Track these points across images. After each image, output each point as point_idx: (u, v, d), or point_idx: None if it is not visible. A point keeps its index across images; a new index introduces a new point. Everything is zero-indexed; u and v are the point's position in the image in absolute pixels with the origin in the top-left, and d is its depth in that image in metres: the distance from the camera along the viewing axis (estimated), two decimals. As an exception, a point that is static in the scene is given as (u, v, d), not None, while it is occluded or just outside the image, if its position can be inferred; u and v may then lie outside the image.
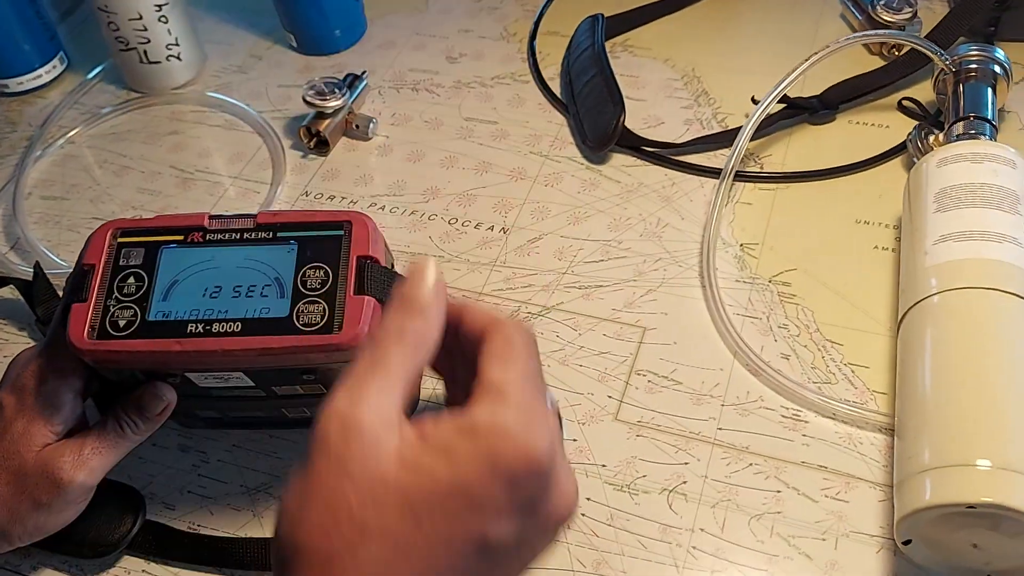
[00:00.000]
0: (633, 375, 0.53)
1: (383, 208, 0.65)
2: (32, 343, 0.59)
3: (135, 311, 0.42)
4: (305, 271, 0.43)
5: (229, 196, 0.68)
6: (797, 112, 0.66)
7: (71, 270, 0.46)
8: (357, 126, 0.70)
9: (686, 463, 0.49)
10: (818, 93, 0.67)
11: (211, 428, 0.53)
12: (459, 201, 0.65)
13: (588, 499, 0.48)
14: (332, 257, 0.43)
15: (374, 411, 0.30)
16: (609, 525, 0.47)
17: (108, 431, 0.45)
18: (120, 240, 0.44)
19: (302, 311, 0.42)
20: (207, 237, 0.44)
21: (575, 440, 0.51)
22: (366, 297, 0.42)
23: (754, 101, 0.66)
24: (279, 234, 0.44)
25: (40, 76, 0.78)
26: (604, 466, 0.49)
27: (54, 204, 0.69)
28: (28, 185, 0.70)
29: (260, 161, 0.70)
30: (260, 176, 0.69)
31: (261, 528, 0.49)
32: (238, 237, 0.44)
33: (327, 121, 0.69)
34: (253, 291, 0.43)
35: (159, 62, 0.75)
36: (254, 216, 0.44)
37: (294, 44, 0.79)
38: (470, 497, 0.29)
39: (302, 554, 0.29)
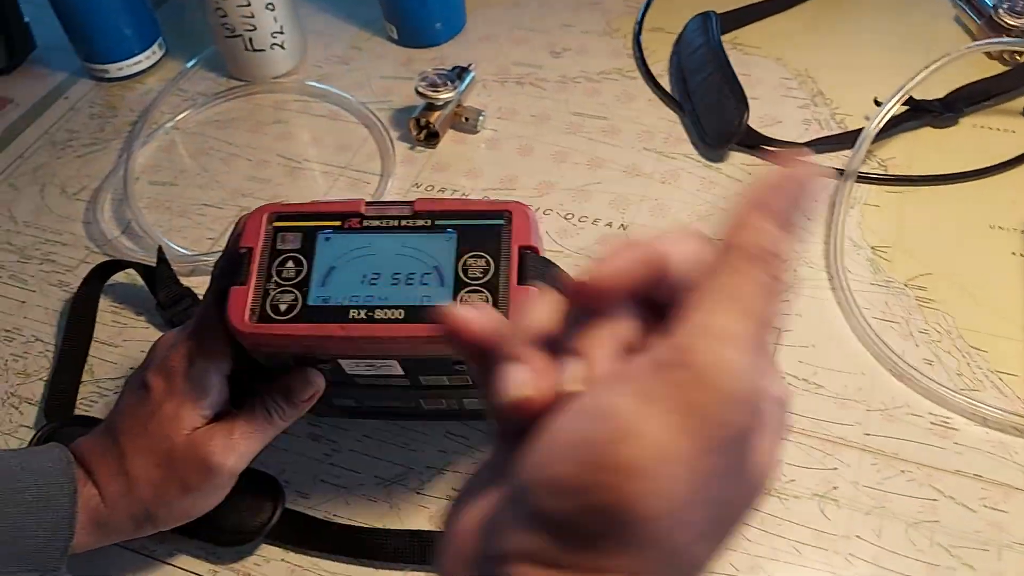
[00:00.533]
0: (772, 377, 0.52)
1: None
2: (150, 328, 0.59)
3: (295, 295, 0.42)
4: (466, 259, 0.42)
5: (339, 186, 0.67)
6: (920, 115, 0.65)
7: (220, 254, 0.46)
8: (466, 119, 0.69)
9: (835, 468, 0.48)
10: (941, 96, 0.65)
11: (343, 416, 0.53)
12: (574, 196, 0.64)
13: (734, 502, 0.47)
14: (493, 246, 0.42)
15: None
16: (760, 529, 0.46)
17: (257, 415, 0.44)
18: (276, 224, 0.44)
19: (465, 300, 0.41)
20: (364, 223, 0.44)
21: (716, 441, 0.49)
22: (529, 287, 0.41)
23: (877, 103, 0.65)
24: (438, 222, 0.43)
25: (140, 62, 0.78)
26: (749, 468, 0.48)
27: (163, 190, 0.68)
28: (136, 170, 0.69)
29: (367, 152, 0.70)
30: (368, 167, 0.68)
31: (400, 520, 0.48)
32: (395, 224, 0.43)
33: (437, 113, 0.68)
34: (413, 279, 0.42)
35: (263, 50, 0.74)
36: (411, 203, 0.44)
37: (394, 36, 0.79)
38: None
39: None
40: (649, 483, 0.21)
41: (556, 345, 0.26)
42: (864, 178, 0.62)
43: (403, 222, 0.44)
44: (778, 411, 0.27)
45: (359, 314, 0.41)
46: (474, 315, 0.27)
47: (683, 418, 0.21)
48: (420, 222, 0.43)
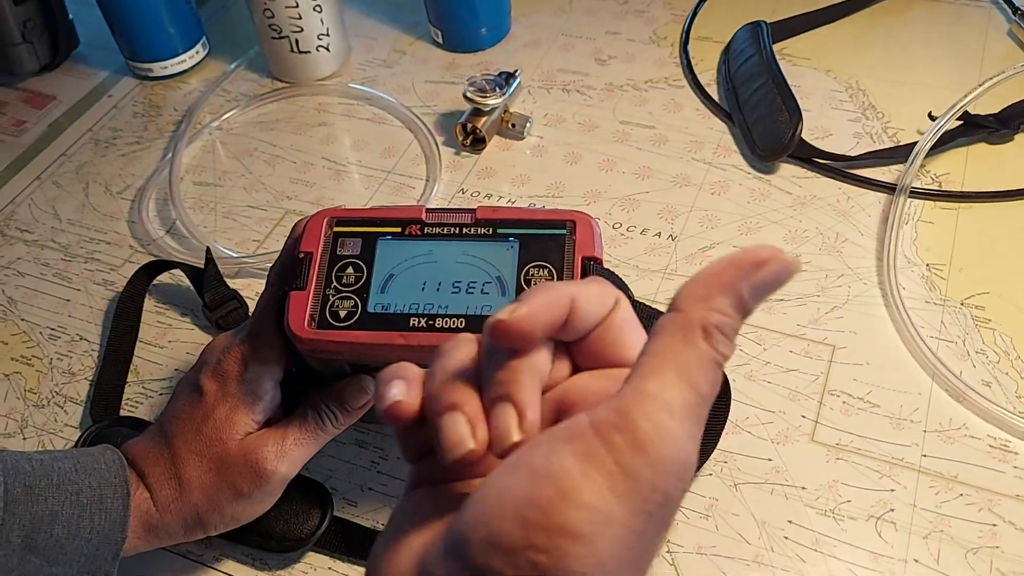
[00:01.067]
0: (827, 395, 0.51)
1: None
2: (195, 329, 0.59)
3: (355, 302, 0.41)
4: (528, 269, 0.41)
5: (384, 190, 0.67)
6: (975, 130, 0.64)
7: (277, 257, 0.45)
8: (513, 124, 0.69)
9: (892, 490, 0.47)
10: (995, 112, 0.64)
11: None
12: (622, 205, 0.63)
13: (790, 522, 0.46)
14: (556, 257, 0.42)
15: None
16: (815, 550, 0.45)
17: (309, 422, 0.44)
18: (336, 229, 0.43)
19: (526, 310, 0.40)
20: (425, 230, 0.43)
21: (770, 460, 0.49)
22: (592, 299, 0.41)
23: (931, 117, 0.64)
24: (499, 231, 0.43)
25: (184, 61, 0.78)
26: (804, 488, 0.47)
27: (207, 190, 0.68)
28: (180, 169, 0.69)
29: (412, 156, 0.69)
30: (413, 171, 0.68)
31: (448, 531, 0.48)
32: (456, 231, 0.43)
33: (484, 118, 0.68)
34: (473, 287, 0.42)
35: (309, 52, 0.74)
36: (473, 211, 0.43)
37: (439, 40, 0.78)
38: None
39: None
40: (586, 546, 0.22)
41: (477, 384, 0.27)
42: (918, 194, 0.61)
43: (464, 230, 0.43)
44: None
45: (419, 322, 0.41)
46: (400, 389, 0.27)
47: (620, 481, 0.22)
48: (482, 230, 0.43)
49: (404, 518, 0.27)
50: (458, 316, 0.41)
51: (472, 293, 0.41)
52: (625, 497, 0.22)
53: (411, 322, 0.41)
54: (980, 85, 0.63)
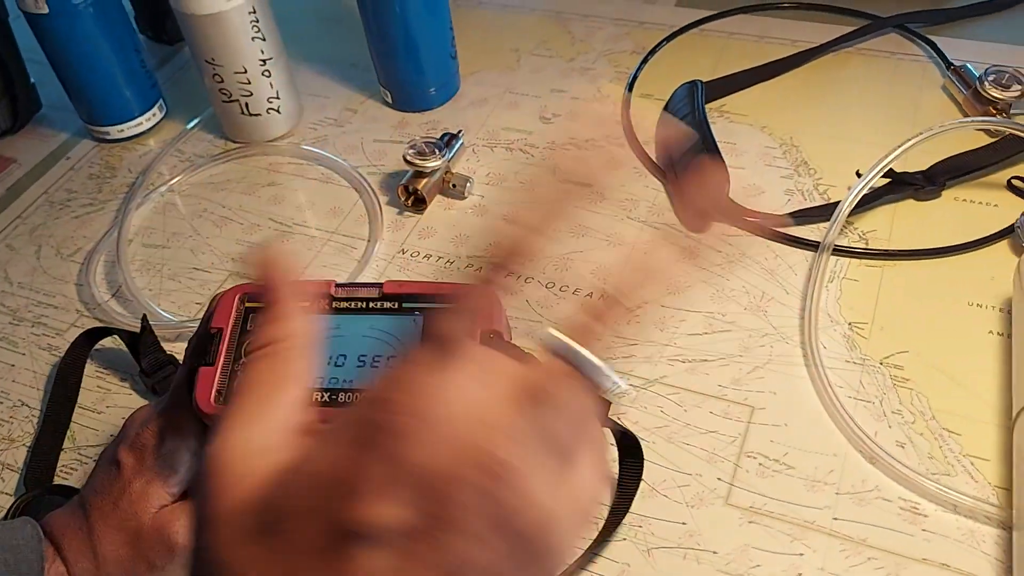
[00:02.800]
0: (743, 457, 0.52)
1: (480, 269, 0.65)
2: (133, 394, 0.60)
3: (261, 378, 0.42)
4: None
5: (328, 251, 0.68)
6: (902, 187, 0.65)
7: (195, 330, 0.47)
8: (454, 185, 0.70)
9: (801, 554, 0.48)
10: (923, 168, 0.66)
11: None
12: (556, 265, 0.65)
13: (700, 586, 0.47)
14: (459, 330, 0.43)
15: None
16: (723, 615, 0.46)
17: (224, 496, 0.45)
18: (248, 305, 0.45)
19: (427, 385, 0.42)
20: (333, 305, 0.44)
21: (684, 524, 0.49)
22: (492, 373, 0.42)
23: (859, 175, 0.65)
24: (405, 304, 0.44)
25: (140, 124, 0.80)
26: (715, 553, 0.48)
27: (155, 252, 0.70)
28: (130, 231, 0.71)
29: (356, 216, 0.71)
30: (357, 231, 0.69)
31: None
32: (363, 306, 0.44)
33: (425, 180, 0.69)
34: (378, 361, 0.43)
35: (259, 114, 0.76)
36: (380, 285, 0.44)
37: (389, 100, 0.80)
38: None
39: None
40: None
41: None
42: (843, 251, 0.62)
43: (371, 304, 0.44)
44: None
45: (323, 397, 0.42)
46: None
47: None
48: (388, 304, 0.44)
49: None
50: (360, 391, 0.42)
51: (377, 367, 0.43)
52: None
53: (313, 397, 0.42)
54: (906, 142, 0.64)
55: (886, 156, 0.63)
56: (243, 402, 0.29)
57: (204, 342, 0.44)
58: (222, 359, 0.43)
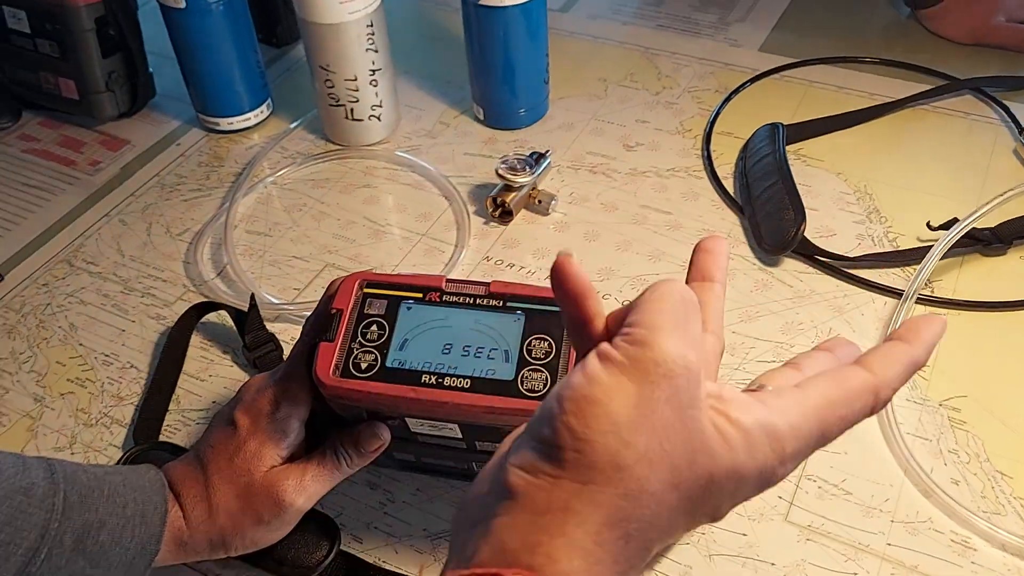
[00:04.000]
0: (803, 479, 0.55)
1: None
2: (235, 366, 0.65)
3: (376, 356, 0.47)
4: (531, 341, 0.47)
5: (416, 252, 0.73)
6: (971, 241, 0.68)
7: (312, 310, 0.51)
8: (540, 201, 0.75)
9: (855, 574, 0.50)
10: (993, 226, 0.69)
11: (400, 469, 0.57)
12: (633, 285, 0.69)
13: (756, 593, 0.50)
14: (557, 332, 0.47)
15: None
16: (777, 622, 0.49)
17: (327, 461, 0.49)
18: (366, 291, 0.49)
19: (526, 377, 0.46)
20: (443, 298, 0.49)
21: (745, 535, 0.53)
22: (586, 373, 0.45)
23: (930, 227, 0.68)
24: (509, 303, 0.48)
25: (249, 119, 0.86)
26: (773, 565, 0.51)
27: (258, 239, 0.75)
28: (235, 218, 0.76)
29: (445, 222, 0.75)
30: (444, 236, 0.74)
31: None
32: (471, 301, 0.48)
33: (513, 194, 0.74)
34: (481, 352, 0.47)
35: (361, 120, 0.81)
36: (487, 284, 0.49)
37: (481, 116, 0.85)
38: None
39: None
40: (600, 407, 0.29)
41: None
42: (922, 299, 0.65)
43: (478, 300, 0.48)
44: (713, 359, 0.36)
45: (430, 379, 0.46)
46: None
47: (629, 367, 0.29)
48: (493, 302, 0.48)
49: None
50: (465, 376, 0.46)
51: (479, 357, 0.47)
52: (629, 371, 0.29)
53: (423, 378, 0.46)
54: (987, 204, 0.67)
55: (972, 214, 0.66)
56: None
57: (325, 320, 0.48)
58: (341, 336, 0.47)
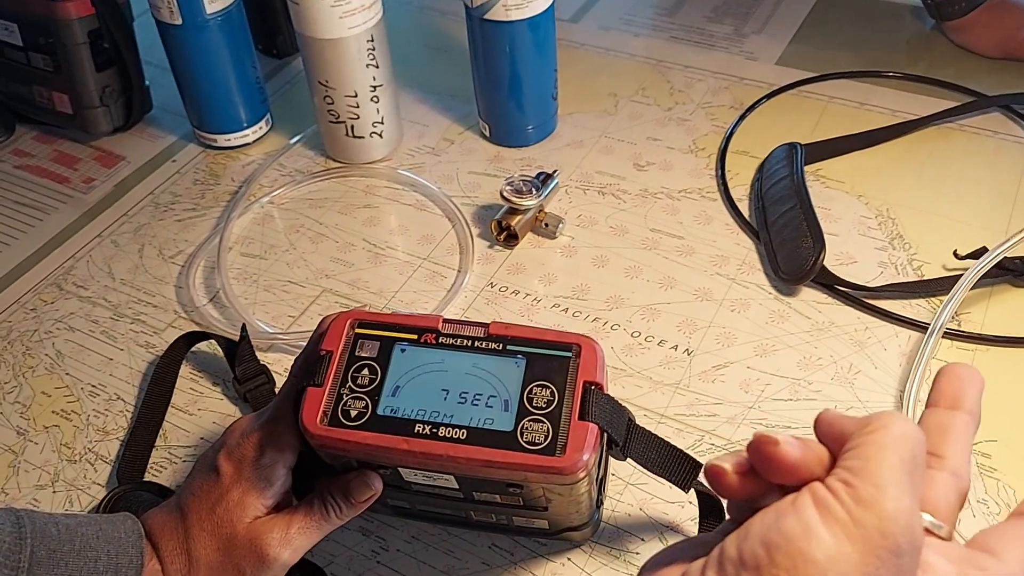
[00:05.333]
0: (822, 529, 0.52)
1: (566, 311, 0.66)
2: (224, 399, 0.62)
3: (366, 403, 0.44)
4: (532, 388, 0.43)
5: (418, 277, 0.70)
6: (1001, 271, 0.65)
7: (302, 350, 0.48)
8: (547, 224, 0.72)
9: (878, 635, 0.47)
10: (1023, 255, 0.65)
11: (394, 515, 0.54)
12: (643, 314, 0.65)
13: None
14: (560, 378, 0.44)
15: None
16: None
17: (315, 512, 0.46)
18: (358, 331, 0.46)
19: (526, 428, 0.42)
20: (439, 340, 0.46)
21: None
22: (590, 424, 0.43)
23: (957, 256, 0.65)
24: (509, 347, 0.45)
25: (247, 135, 0.83)
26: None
27: (252, 262, 0.72)
28: (230, 240, 0.73)
29: (448, 245, 0.72)
30: (447, 260, 0.71)
31: (437, 629, 0.49)
32: (468, 344, 0.45)
33: (519, 217, 0.70)
34: (479, 400, 0.44)
35: (363, 137, 0.78)
36: (487, 325, 0.45)
37: (486, 133, 0.82)
38: None
39: None
40: (817, 570, 0.26)
41: None
42: (949, 333, 0.62)
43: (476, 343, 0.45)
44: (952, 507, 0.31)
45: (424, 429, 0.43)
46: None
47: (853, 529, 0.26)
48: (492, 345, 0.45)
49: (676, 548, 0.33)
50: (461, 427, 0.43)
51: (477, 405, 0.44)
52: (856, 541, 0.26)
53: (416, 428, 0.43)
54: (1020, 232, 0.63)
55: (1003, 243, 0.62)
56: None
57: (313, 363, 0.45)
58: (330, 381, 0.44)
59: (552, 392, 0.43)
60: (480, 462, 0.42)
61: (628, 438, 0.45)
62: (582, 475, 0.43)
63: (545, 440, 0.42)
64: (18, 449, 0.60)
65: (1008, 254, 0.63)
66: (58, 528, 0.43)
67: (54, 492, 0.57)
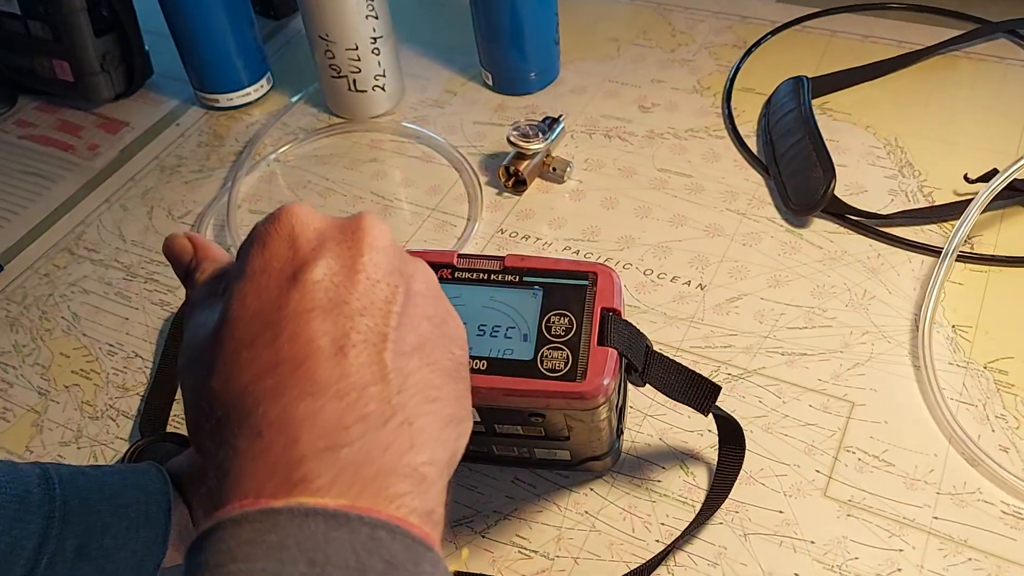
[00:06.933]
0: (842, 451, 0.52)
1: (577, 252, 0.66)
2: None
3: (385, 340, 0.44)
4: (550, 317, 0.44)
5: (427, 227, 0.70)
6: (1012, 193, 0.64)
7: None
8: (554, 169, 0.71)
9: (900, 550, 0.48)
10: (1034, 175, 0.65)
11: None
12: (654, 252, 0.65)
13: (796, 575, 0.47)
14: (577, 306, 0.44)
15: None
16: (820, 604, 0.46)
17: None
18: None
19: (546, 356, 0.43)
20: (455, 275, 0.46)
21: (781, 512, 0.50)
22: (609, 349, 0.43)
23: (968, 179, 0.64)
24: (525, 278, 0.45)
25: (248, 94, 0.83)
26: (813, 543, 0.48)
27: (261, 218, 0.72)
28: (238, 198, 0.73)
29: (456, 195, 0.72)
30: (456, 210, 0.71)
31: (463, 564, 0.50)
32: (485, 278, 0.45)
33: (526, 162, 0.70)
34: (497, 331, 0.44)
35: (365, 91, 0.78)
36: (502, 259, 0.45)
37: (489, 82, 0.82)
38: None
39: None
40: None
41: None
42: (962, 256, 0.61)
43: (492, 276, 0.45)
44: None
45: (444, 363, 0.43)
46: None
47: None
48: (509, 277, 0.45)
49: None
50: (481, 358, 0.43)
51: (496, 337, 0.44)
52: None
53: (437, 363, 0.43)
54: None
55: (1014, 163, 0.62)
56: None
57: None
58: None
59: (570, 320, 0.43)
60: (502, 391, 0.42)
61: (647, 363, 0.45)
62: (602, 400, 0.43)
63: (565, 367, 0.42)
64: (41, 409, 0.60)
65: (1020, 176, 0.63)
66: (85, 478, 0.44)
67: (78, 448, 0.58)
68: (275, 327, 0.29)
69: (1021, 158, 0.61)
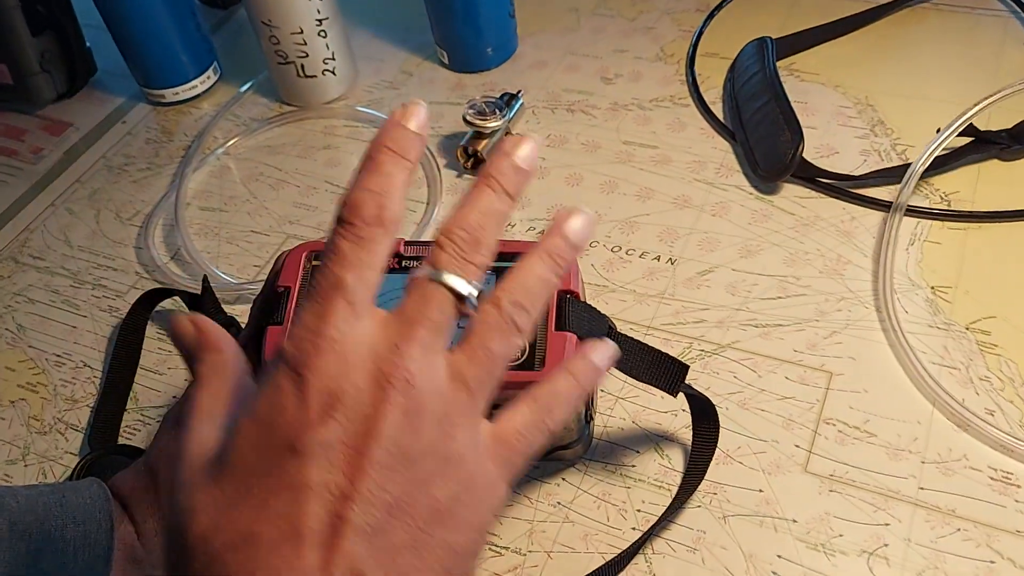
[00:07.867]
0: (821, 424, 0.50)
1: (542, 233, 0.64)
2: (195, 355, 0.59)
3: (330, 336, 0.41)
4: (503, 303, 0.41)
5: (385, 214, 0.67)
6: (986, 147, 0.62)
7: (260, 290, 0.46)
8: (514, 147, 0.69)
9: (887, 524, 0.46)
10: (1008, 127, 0.63)
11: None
12: (621, 228, 0.63)
13: (779, 556, 0.45)
14: (531, 290, 0.41)
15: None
16: (805, 586, 0.44)
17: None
18: (315, 263, 0.44)
19: (501, 344, 0.40)
20: (402, 263, 0.43)
21: (761, 491, 0.48)
22: (567, 333, 0.40)
23: (939, 132, 0.62)
24: (475, 263, 0.42)
25: (195, 87, 0.79)
26: (795, 521, 0.46)
27: (212, 215, 0.69)
28: (187, 195, 0.70)
29: (415, 179, 0.69)
30: (415, 194, 0.68)
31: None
32: (433, 264, 0.43)
33: (485, 141, 0.68)
34: (448, 321, 0.41)
35: (315, 76, 0.75)
36: (450, 243, 0.43)
37: (445, 61, 0.79)
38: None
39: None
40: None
41: None
42: (925, 213, 0.60)
43: (441, 262, 0.43)
44: None
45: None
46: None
47: None
48: (458, 263, 0.43)
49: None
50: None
51: (447, 326, 0.41)
52: None
53: (384, 356, 0.40)
54: (987, 98, 0.61)
55: (964, 113, 0.60)
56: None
57: (271, 301, 0.43)
58: (290, 318, 0.42)
59: (525, 304, 0.41)
60: (455, 383, 0.40)
61: (610, 345, 0.43)
62: (564, 387, 0.40)
63: (523, 355, 0.40)
64: (-14, 427, 0.58)
65: (989, 125, 0.61)
66: (17, 500, 0.41)
67: (26, 466, 0.55)
68: (266, 491, 0.27)
69: (975, 106, 0.59)
